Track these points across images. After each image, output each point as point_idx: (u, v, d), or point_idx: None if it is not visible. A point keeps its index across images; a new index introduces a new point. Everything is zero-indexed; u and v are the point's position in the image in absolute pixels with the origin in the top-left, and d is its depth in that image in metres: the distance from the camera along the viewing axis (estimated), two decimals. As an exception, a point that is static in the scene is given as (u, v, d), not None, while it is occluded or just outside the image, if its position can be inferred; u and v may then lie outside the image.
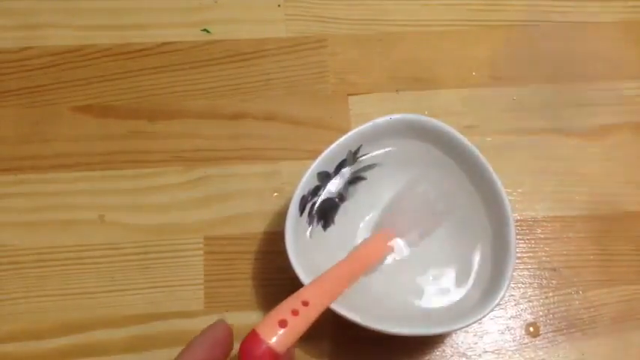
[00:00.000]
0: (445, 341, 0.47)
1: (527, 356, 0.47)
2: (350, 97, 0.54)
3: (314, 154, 0.45)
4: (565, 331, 0.48)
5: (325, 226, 0.47)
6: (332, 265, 0.43)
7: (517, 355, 0.47)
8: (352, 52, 0.56)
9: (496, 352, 0.47)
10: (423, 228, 0.46)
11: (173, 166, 0.51)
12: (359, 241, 0.46)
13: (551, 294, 0.49)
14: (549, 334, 0.48)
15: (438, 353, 0.47)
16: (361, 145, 0.47)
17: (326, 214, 0.47)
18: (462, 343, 0.47)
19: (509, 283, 0.43)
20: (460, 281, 0.45)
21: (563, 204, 0.51)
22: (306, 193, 0.45)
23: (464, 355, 0.47)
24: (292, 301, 0.37)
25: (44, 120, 0.52)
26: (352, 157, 0.47)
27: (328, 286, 0.40)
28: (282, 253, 0.43)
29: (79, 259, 0.48)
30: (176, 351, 0.46)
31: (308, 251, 0.44)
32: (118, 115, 0.52)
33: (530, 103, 0.55)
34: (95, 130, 0.52)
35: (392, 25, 0.57)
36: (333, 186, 0.47)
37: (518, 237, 0.49)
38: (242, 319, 0.47)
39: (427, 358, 0.47)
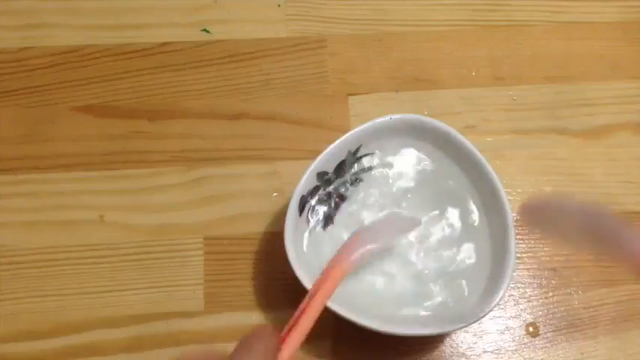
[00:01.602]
0: (445, 341, 0.47)
1: (527, 356, 0.47)
2: (350, 97, 0.54)
3: (314, 154, 0.45)
4: (564, 331, 0.48)
5: (325, 226, 0.47)
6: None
7: (517, 355, 0.47)
8: (352, 52, 0.56)
9: (496, 352, 0.47)
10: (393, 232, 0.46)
11: (173, 166, 0.51)
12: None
13: (550, 294, 0.49)
14: (549, 334, 0.48)
15: (437, 353, 0.47)
16: (361, 145, 0.47)
17: (325, 214, 0.47)
18: (462, 343, 0.47)
19: (509, 283, 0.43)
20: (460, 281, 0.45)
21: (563, 204, 0.51)
22: (305, 193, 0.45)
23: (464, 355, 0.47)
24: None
25: (44, 120, 0.52)
26: (352, 157, 0.47)
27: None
28: (282, 253, 0.43)
29: (79, 259, 0.48)
30: (176, 351, 0.46)
31: (308, 251, 0.44)
32: (118, 115, 0.52)
33: (530, 103, 0.55)
34: (95, 130, 0.52)
35: (392, 25, 0.57)
36: (333, 186, 0.47)
37: (518, 237, 0.49)
38: (242, 319, 0.47)
39: (427, 358, 0.47)
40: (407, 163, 0.48)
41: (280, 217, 0.47)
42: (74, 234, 0.49)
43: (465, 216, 0.47)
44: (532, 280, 0.49)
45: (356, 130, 0.46)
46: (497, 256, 0.44)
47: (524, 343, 0.47)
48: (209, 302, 0.47)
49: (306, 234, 0.46)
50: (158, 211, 0.50)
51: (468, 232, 0.46)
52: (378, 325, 0.41)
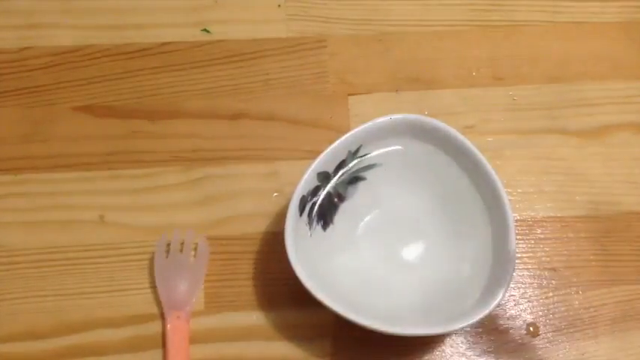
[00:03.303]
0: (445, 341, 0.47)
1: (527, 356, 0.47)
2: (350, 97, 0.54)
3: (314, 154, 0.45)
4: (565, 331, 0.48)
5: (325, 226, 0.47)
6: (331, 265, 0.44)
7: (517, 355, 0.47)
8: (352, 52, 0.56)
9: (496, 352, 0.47)
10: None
11: (173, 166, 0.51)
12: (358, 240, 0.47)
13: (550, 294, 0.49)
14: (549, 334, 0.48)
15: (437, 353, 0.47)
16: (361, 145, 0.47)
17: (325, 214, 0.47)
18: (462, 343, 0.47)
19: (509, 283, 0.43)
20: (460, 281, 0.45)
21: (563, 204, 0.51)
22: (305, 193, 0.45)
23: (464, 355, 0.47)
24: None
25: (44, 120, 0.52)
26: (352, 157, 0.47)
27: None
28: (282, 253, 0.43)
29: (79, 259, 0.48)
30: (176, 351, 0.46)
31: (308, 251, 0.44)
32: (118, 115, 0.52)
33: (530, 103, 0.55)
34: (95, 130, 0.52)
35: (392, 25, 0.57)
36: (333, 186, 0.47)
37: (518, 237, 0.49)
38: (242, 319, 0.47)
39: (427, 358, 0.47)
40: (407, 163, 0.48)
41: (280, 217, 0.47)
42: (74, 234, 0.49)
43: (464, 216, 0.47)
44: (532, 280, 0.49)
45: (356, 130, 0.46)
46: (498, 256, 0.44)
47: (524, 343, 0.47)
48: (209, 302, 0.47)
49: (307, 234, 0.46)
50: (158, 211, 0.50)
51: (468, 232, 0.46)
52: (378, 325, 0.41)
